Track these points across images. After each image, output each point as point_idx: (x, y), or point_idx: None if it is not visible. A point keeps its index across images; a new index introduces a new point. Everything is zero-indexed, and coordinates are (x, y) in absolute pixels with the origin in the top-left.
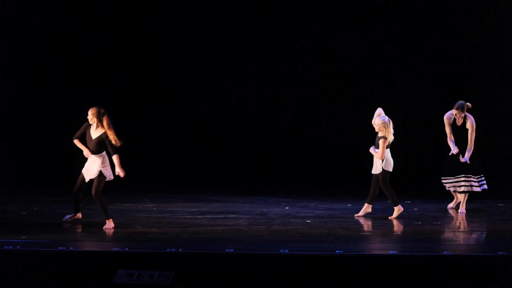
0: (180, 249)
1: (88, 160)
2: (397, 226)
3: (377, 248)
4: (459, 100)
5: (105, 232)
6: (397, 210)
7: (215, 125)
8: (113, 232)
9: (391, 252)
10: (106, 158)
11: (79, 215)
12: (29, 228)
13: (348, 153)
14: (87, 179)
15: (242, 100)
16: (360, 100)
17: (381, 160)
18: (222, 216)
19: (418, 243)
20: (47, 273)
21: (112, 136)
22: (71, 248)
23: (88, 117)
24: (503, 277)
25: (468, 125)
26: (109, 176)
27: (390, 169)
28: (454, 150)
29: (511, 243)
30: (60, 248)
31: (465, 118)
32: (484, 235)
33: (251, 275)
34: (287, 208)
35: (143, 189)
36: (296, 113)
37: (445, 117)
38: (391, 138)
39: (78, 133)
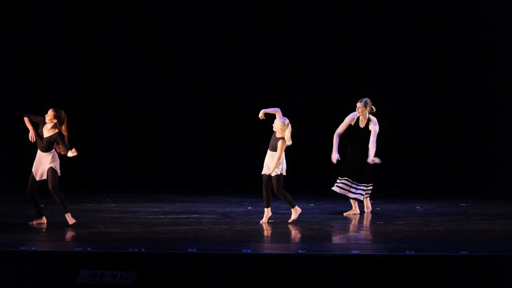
0: (143, 249)
1: (36, 158)
2: (359, 226)
3: (340, 248)
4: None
5: (68, 232)
6: (295, 211)
7: (177, 126)
8: (76, 232)
9: (353, 252)
10: (55, 154)
11: (44, 219)
12: None
13: (311, 154)
14: (37, 178)
15: (201, 102)
16: (318, 100)
17: (281, 165)
18: (184, 216)
19: (381, 243)
20: (9, 273)
21: (66, 140)
22: (34, 248)
23: (47, 116)
24: (465, 277)
25: (370, 127)
26: (59, 171)
27: (284, 173)
28: (334, 156)
29: (473, 242)
30: (22, 248)
31: (368, 120)
32: (445, 235)
33: (213, 275)
34: (249, 208)
35: (105, 189)
36: (256, 113)
37: (348, 116)
38: (289, 140)
39: (32, 117)
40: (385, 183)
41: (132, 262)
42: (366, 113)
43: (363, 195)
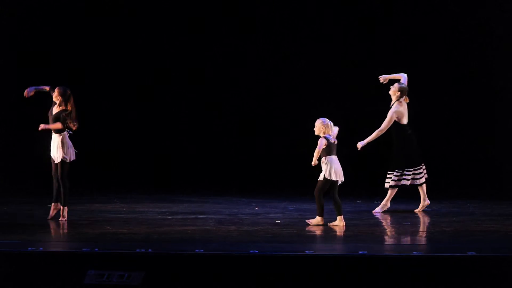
0: (150, 250)
1: (51, 141)
2: (367, 227)
3: (347, 248)
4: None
5: (75, 232)
6: (319, 219)
7: (184, 125)
8: (83, 233)
9: (361, 252)
10: (66, 139)
11: (58, 205)
12: None
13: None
14: (56, 161)
15: (206, 101)
16: (335, 101)
17: (326, 167)
18: (192, 217)
19: (388, 243)
20: (17, 274)
21: (73, 115)
22: (41, 248)
23: (53, 93)
24: (472, 277)
25: (389, 112)
26: (69, 158)
27: (334, 178)
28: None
29: (481, 243)
30: (29, 248)
31: (391, 106)
32: (453, 236)
33: (221, 275)
34: (257, 208)
35: (112, 190)
36: (267, 115)
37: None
38: (333, 139)
39: (48, 89)
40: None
41: (139, 262)
42: (395, 97)
43: (388, 182)
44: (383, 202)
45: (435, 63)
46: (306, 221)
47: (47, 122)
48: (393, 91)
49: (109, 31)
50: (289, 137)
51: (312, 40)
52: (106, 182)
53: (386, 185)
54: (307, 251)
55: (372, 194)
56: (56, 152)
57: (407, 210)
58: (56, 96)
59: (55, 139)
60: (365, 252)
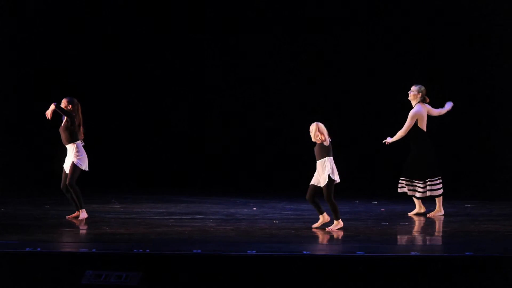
0: (148, 250)
1: (67, 153)
2: (364, 227)
3: (345, 249)
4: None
5: (73, 232)
6: (338, 224)
7: (183, 125)
8: (81, 233)
9: (358, 253)
10: (80, 148)
11: (81, 212)
12: None
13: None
14: (66, 171)
15: (209, 101)
16: (333, 102)
17: (329, 166)
18: (189, 217)
19: (386, 243)
20: (15, 274)
21: (81, 124)
22: (39, 249)
23: (61, 105)
24: (470, 277)
25: (409, 113)
26: (84, 167)
27: (333, 177)
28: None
29: (478, 243)
30: (27, 249)
31: (415, 106)
32: (451, 236)
33: (218, 276)
34: (254, 209)
35: (110, 190)
36: (264, 116)
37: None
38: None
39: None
40: (390, 184)
41: (137, 263)
42: (415, 101)
43: (404, 191)
44: (437, 208)
45: (433, 62)
46: (327, 229)
47: (58, 137)
48: (413, 94)
49: (110, 35)
50: (288, 138)
51: (312, 44)
52: (104, 182)
53: (416, 194)
54: (304, 252)
55: (370, 195)
56: (71, 159)
57: (403, 211)
58: (65, 107)
59: (70, 149)
60: (362, 253)
